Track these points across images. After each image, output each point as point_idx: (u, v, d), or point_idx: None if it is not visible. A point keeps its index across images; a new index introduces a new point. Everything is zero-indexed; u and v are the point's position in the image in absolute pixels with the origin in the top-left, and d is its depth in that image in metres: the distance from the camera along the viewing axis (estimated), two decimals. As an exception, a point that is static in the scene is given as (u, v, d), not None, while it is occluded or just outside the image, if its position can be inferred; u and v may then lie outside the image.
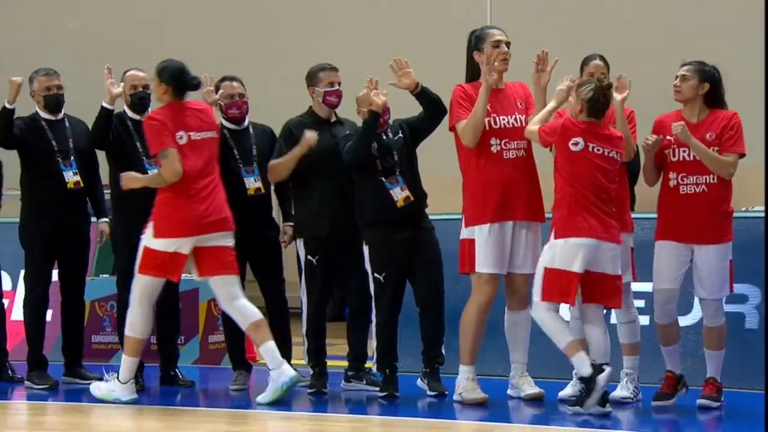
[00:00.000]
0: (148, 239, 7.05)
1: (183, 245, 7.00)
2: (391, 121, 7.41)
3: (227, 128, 7.81)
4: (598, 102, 6.70)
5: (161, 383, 7.95)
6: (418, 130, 7.37)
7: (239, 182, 7.70)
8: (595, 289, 6.67)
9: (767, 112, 5.96)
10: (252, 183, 7.73)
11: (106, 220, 8.19)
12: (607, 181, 6.69)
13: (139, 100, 7.88)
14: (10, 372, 8.22)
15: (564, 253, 6.62)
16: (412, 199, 7.26)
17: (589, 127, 6.71)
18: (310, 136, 7.43)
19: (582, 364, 6.53)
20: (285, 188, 7.87)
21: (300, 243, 7.59)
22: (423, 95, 7.15)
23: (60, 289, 8.11)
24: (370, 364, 7.55)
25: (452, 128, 7.06)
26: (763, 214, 7.32)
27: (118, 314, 7.96)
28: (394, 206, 7.24)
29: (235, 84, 7.80)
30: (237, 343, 7.88)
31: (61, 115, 8.00)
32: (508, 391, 7.20)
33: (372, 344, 7.42)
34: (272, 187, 7.91)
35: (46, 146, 7.85)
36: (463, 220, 7.04)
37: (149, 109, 7.84)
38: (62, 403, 7.59)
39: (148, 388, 7.83)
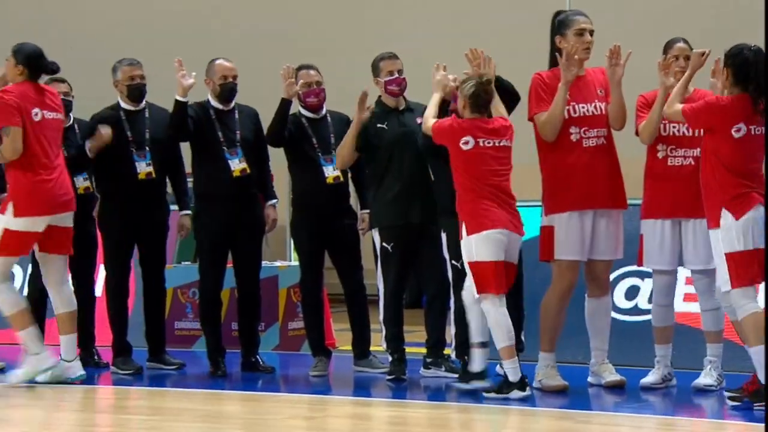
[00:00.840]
0: (7, 220, 7.17)
1: (40, 223, 7.16)
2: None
3: (305, 116, 7.76)
4: (480, 98, 6.77)
5: (242, 369, 7.93)
6: None
7: (318, 170, 7.66)
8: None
9: (767, 110, 5.76)
10: (331, 171, 7.69)
11: (189, 212, 8.16)
12: (504, 170, 6.74)
13: (229, 92, 7.85)
14: (96, 357, 8.26)
15: (479, 245, 6.61)
16: None
17: (475, 122, 6.71)
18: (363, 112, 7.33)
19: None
20: (362, 176, 7.80)
21: (375, 231, 7.52)
22: (497, 84, 7.02)
23: (142, 276, 8.15)
24: (449, 351, 7.46)
25: (531, 119, 6.93)
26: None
27: (199, 300, 7.99)
28: (471, 194, 7.12)
29: (312, 72, 7.74)
30: (317, 330, 7.84)
31: (142, 105, 7.99)
32: (589, 379, 7.08)
33: (450, 331, 7.33)
34: (350, 175, 7.84)
35: (121, 136, 7.84)
36: (543, 207, 6.92)
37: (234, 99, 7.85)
38: (146, 388, 7.61)
39: (229, 374, 7.82)
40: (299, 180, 7.80)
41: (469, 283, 6.75)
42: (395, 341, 7.49)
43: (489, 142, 6.72)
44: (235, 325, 8.25)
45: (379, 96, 7.58)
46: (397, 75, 7.49)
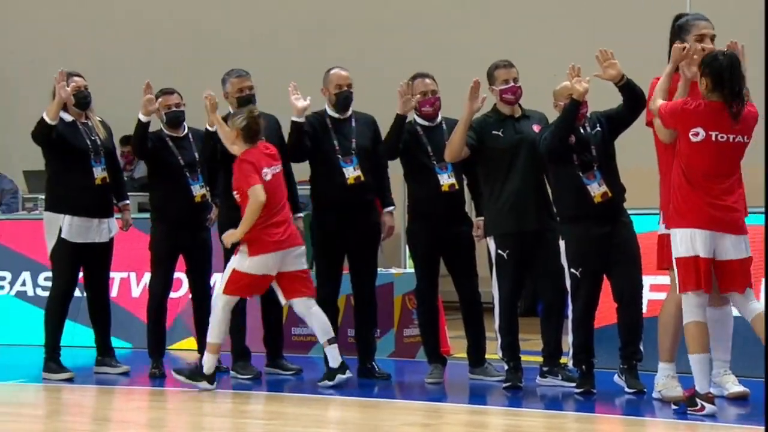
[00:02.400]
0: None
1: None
2: (588, 114, 7.04)
3: (420, 125, 7.63)
4: (251, 130, 7.20)
5: (359, 375, 7.79)
6: (617, 123, 6.98)
7: (433, 178, 7.52)
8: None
9: (767, 113, 5.49)
10: (446, 179, 7.53)
11: (301, 215, 8.07)
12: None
13: (345, 100, 7.76)
14: (217, 362, 8.11)
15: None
16: (609, 195, 6.89)
17: (255, 150, 7.20)
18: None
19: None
20: (478, 183, 7.60)
21: (491, 238, 7.32)
22: (627, 87, 6.75)
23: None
24: (566, 360, 7.22)
25: (649, 123, 6.65)
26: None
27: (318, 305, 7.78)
28: (591, 201, 6.88)
29: (427, 81, 7.60)
30: (432, 337, 7.68)
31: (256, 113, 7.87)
32: (710, 390, 6.74)
33: (567, 340, 7.08)
34: (465, 182, 7.67)
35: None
36: (661, 216, 6.61)
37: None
38: (265, 393, 7.54)
39: (346, 380, 7.64)
40: (415, 188, 7.67)
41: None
42: (511, 349, 7.28)
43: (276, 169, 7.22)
44: (351, 332, 8.17)
45: (494, 104, 7.39)
46: (512, 83, 7.31)
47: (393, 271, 9.13)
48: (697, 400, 6.16)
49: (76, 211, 7.88)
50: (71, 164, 7.89)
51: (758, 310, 6.25)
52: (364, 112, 7.91)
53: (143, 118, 7.84)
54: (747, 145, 6.20)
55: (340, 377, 7.29)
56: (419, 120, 7.65)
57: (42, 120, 7.75)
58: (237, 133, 7.18)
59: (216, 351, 7.30)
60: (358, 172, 7.68)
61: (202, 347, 8.15)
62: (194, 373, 7.34)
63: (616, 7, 12.20)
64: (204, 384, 7.27)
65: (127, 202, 8.35)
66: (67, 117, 7.89)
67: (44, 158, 8.06)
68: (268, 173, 7.27)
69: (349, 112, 7.80)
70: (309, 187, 7.98)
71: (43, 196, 8.94)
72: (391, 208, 7.93)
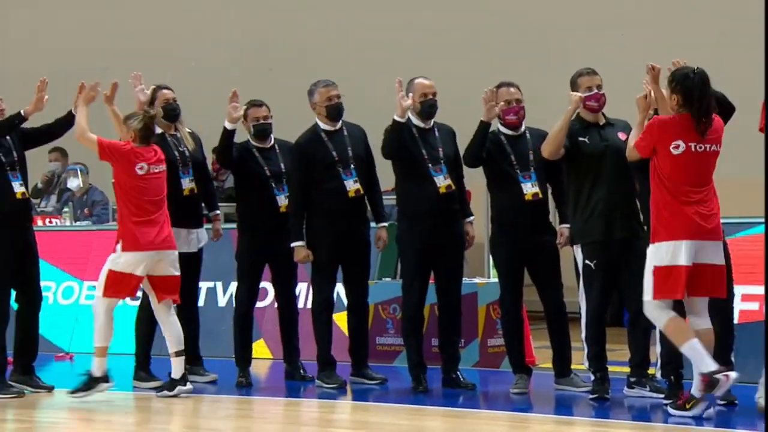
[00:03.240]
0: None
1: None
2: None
3: (504, 134, 7.52)
4: (149, 130, 7.39)
5: (443, 385, 7.68)
6: None
7: (517, 187, 7.40)
8: None
9: (767, 120, 5.32)
10: (530, 188, 7.41)
11: (386, 225, 8.02)
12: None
13: (430, 108, 7.68)
14: (302, 371, 8.17)
15: None
16: None
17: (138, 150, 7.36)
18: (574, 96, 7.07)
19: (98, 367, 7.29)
20: (562, 192, 7.47)
21: (578, 247, 7.17)
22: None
23: (345, 292, 8.02)
24: (654, 371, 7.03)
25: (761, 129, 6.44)
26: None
27: (403, 316, 7.82)
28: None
29: (512, 90, 7.49)
30: (517, 347, 7.56)
31: (339, 125, 7.88)
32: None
33: (655, 350, 6.89)
34: (549, 191, 7.54)
35: (326, 155, 7.74)
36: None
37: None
38: (350, 402, 7.47)
39: (431, 390, 7.59)
40: (498, 197, 7.55)
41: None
42: (598, 360, 7.11)
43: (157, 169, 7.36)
44: (435, 341, 8.07)
45: (578, 112, 7.24)
46: (596, 90, 7.16)
47: (477, 280, 9.03)
48: (716, 377, 6.23)
49: None
50: None
51: (705, 325, 6.42)
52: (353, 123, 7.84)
53: (229, 126, 7.82)
54: (719, 154, 6.39)
55: (180, 388, 7.41)
56: (503, 129, 7.54)
57: None
58: (133, 134, 7.34)
59: (103, 354, 7.40)
60: (449, 181, 7.60)
61: (288, 356, 8.18)
62: (87, 383, 7.40)
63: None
64: (103, 386, 7.39)
65: (218, 212, 8.34)
66: (157, 129, 7.87)
67: None
68: (144, 168, 7.38)
69: (432, 122, 7.73)
70: (393, 196, 7.92)
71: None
72: (471, 218, 7.84)
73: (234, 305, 8.15)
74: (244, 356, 8.06)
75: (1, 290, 7.61)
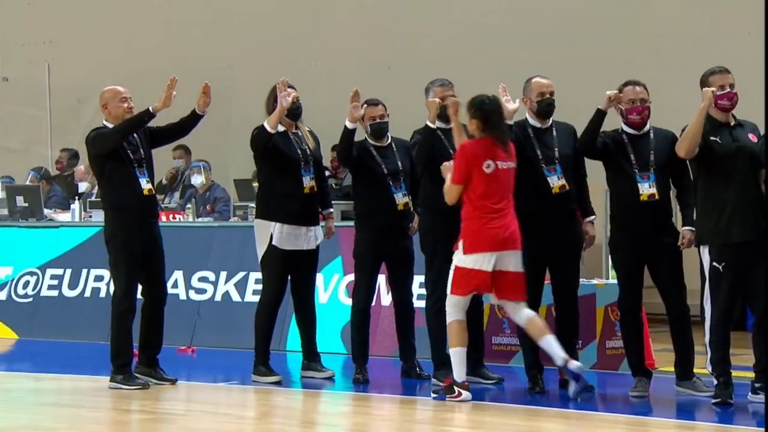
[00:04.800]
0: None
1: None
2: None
3: (626, 132, 7.29)
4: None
5: (560, 387, 7.46)
6: None
7: (634, 187, 7.18)
8: None
9: (767, 116, 5.08)
10: (646, 189, 7.17)
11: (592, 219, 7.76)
12: None
13: (547, 107, 7.50)
14: (418, 369, 8.06)
15: None
16: None
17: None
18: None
19: None
20: (687, 193, 7.22)
21: (704, 249, 6.89)
22: None
23: None
24: (780, 375, 6.72)
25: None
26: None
27: None
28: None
29: (638, 89, 7.25)
30: (636, 350, 7.32)
31: (451, 126, 7.68)
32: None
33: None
34: (673, 193, 7.30)
35: (443, 154, 7.59)
36: None
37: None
38: (467, 402, 7.23)
39: (547, 391, 7.41)
40: (616, 196, 7.33)
41: None
42: (722, 364, 6.82)
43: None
44: None
45: (708, 111, 6.96)
46: (728, 89, 6.89)
47: (595, 281, 8.77)
48: (455, 388, 7.01)
49: (286, 219, 7.84)
50: (283, 173, 7.86)
51: (530, 314, 7.12)
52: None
53: (349, 125, 7.75)
54: (516, 169, 7.13)
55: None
56: (626, 128, 7.30)
57: (262, 128, 7.75)
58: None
59: None
60: (563, 181, 7.41)
61: (405, 354, 8.08)
62: None
63: None
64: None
65: (331, 210, 8.28)
66: (279, 127, 7.85)
67: (256, 167, 8.07)
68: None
69: (550, 121, 7.54)
70: None
71: (253, 204, 8.95)
72: (593, 217, 7.63)
73: (352, 302, 8.06)
74: (361, 353, 7.98)
75: (128, 284, 7.66)
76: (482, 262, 6.99)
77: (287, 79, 7.86)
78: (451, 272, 7.09)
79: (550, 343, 7.02)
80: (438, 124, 7.58)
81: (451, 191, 7.10)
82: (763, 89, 5.67)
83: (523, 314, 7.12)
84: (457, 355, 7.04)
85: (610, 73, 8.36)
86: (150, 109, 7.61)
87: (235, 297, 9.92)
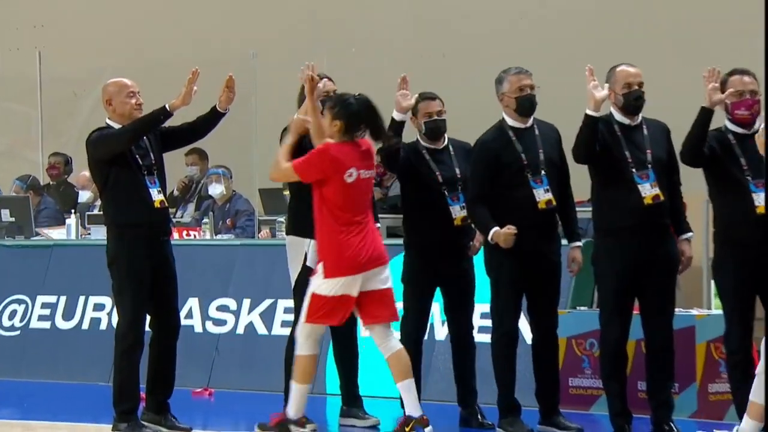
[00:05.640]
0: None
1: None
2: None
3: (732, 132, 7.35)
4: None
5: (649, 439, 7.53)
6: None
7: (747, 197, 7.21)
8: None
9: (767, 115, 5.00)
10: (762, 199, 7.19)
11: (580, 244, 7.91)
12: None
13: (636, 100, 7.54)
14: (479, 417, 8.08)
15: None
16: None
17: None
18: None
19: None
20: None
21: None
22: None
23: (529, 322, 7.97)
24: None
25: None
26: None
27: (601, 353, 7.70)
28: None
29: (746, 79, 7.29)
30: (747, 395, 7.18)
31: (530, 122, 7.82)
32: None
33: None
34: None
35: (511, 158, 7.72)
36: None
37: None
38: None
39: (637, 445, 7.45)
40: (723, 209, 7.36)
41: None
42: None
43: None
44: (642, 385, 7.93)
45: None
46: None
47: (694, 312, 8.78)
48: (290, 427, 7.35)
49: None
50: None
51: (399, 348, 7.37)
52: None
53: (397, 117, 7.79)
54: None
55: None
56: (731, 126, 7.34)
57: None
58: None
59: None
60: (656, 190, 7.43)
61: (463, 399, 8.13)
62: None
63: None
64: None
65: (378, 225, 8.25)
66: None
67: None
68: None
69: (640, 118, 7.58)
70: (589, 208, 7.83)
71: (282, 218, 9.00)
72: (689, 234, 7.66)
73: (400, 337, 8.08)
74: None
75: (134, 313, 7.72)
76: (348, 286, 7.22)
77: (316, 65, 7.85)
78: (308, 298, 7.32)
79: (409, 390, 7.29)
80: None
81: (285, 172, 7.36)
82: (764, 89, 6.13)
83: (392, 345, 7.35)
84: (300, 391, 7.36)
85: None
86: (167, 107, 7.66)
87: (261, 329, 9.99)
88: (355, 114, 7.28)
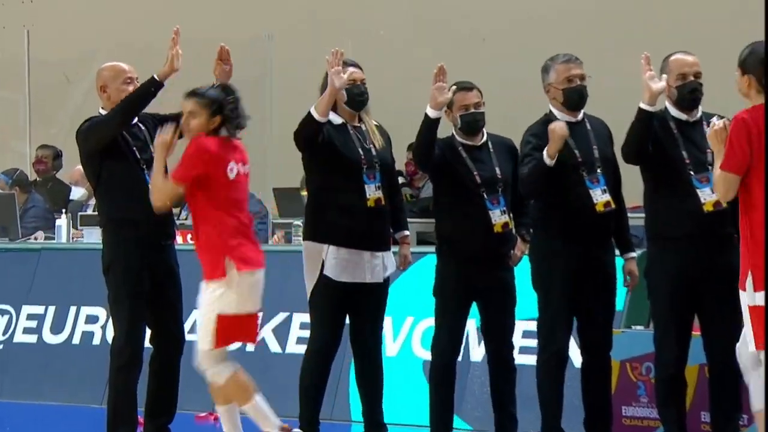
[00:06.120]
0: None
1: None
2: None
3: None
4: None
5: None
6: None
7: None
8: None
9: (767, 115, 5.26)
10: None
11: (634, 255, 7.96)
12: None
13: (691, 93, 7.57)
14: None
15: None
16: None
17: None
18: None
19: None
20: None
21: None
22: None
23: (579, 343, 7.98)
24: None
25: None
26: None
27: (657, 378, 7.72)
28: None
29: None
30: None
31: (580, 116, 7.86)
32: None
33: None
34: None
35: (567, 155, 7.71)
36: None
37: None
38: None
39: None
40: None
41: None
42: None
43: None
44: (705, 416, 7.95)
45: None
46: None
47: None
48: None
49: (342, 241, 7.88)
50: (339, 180, 7.90)
51: (238, 367, 7.45)
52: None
53: (432, 113, 7.73)
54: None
55: None
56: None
57: (309, 116, 7.73)
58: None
59: None
60: (716, 196, 7.34)
61: (502, 426, 8.10)
62: None
63: None
64: None
65: (407, 233, 8.31)
66: (337, 119, 7.89)
67: (305, 171, 8.04)
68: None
69: (699, 113, 7.63)
70: (641, 215, 7.86)
71: (299, 221, 8.96)
72: None
73: (431, 355, 8.12)
74: (443, 424, 8.05)
75: (132, 327, 7.72)
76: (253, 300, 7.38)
77: (344, 52, 7.87)
78: (214, 321, 7.27)
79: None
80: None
81: (166, 191, 7.33)
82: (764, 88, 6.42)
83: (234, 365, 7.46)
84: (230, 412, 7.43)
85: None
86: (155, 76, 7.67)
87: (274, 347, 9.97)
88: (232, 107, 7.43)
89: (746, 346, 6.64)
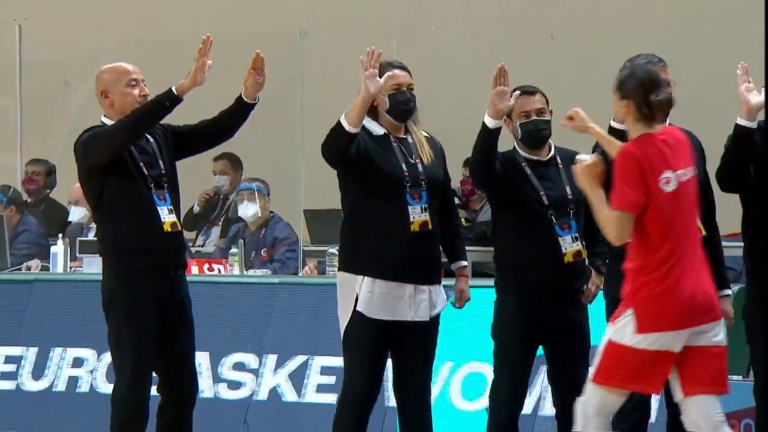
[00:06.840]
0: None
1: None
2: None
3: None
4: None
5: None
6: None
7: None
8: None
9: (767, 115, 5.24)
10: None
11: (729, 293, 7.94)
12: None
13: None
14: None
15: None
16: None
17: None
18: None
19: None
20: None
21: None
22: None
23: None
24: None
25: None
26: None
27: None
28: None
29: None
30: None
31: (550, 153, 8.06)
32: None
33: None
34: None
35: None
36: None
37: None
38: None
39: None
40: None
41: None
42: None
43: None
44: None
45: None
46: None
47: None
48: None
49: (379, 272, 7.87)
50: (378, 200, 7.90)
51: None
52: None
53: (491, 123, 7.76)
54: None
55: None
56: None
57: (338, 125, 7.74)
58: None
59: None
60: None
61: None
62: None
63: None
64: None
65: (464, 263, 8.29)
66: (378, 129, 7.89)
67: (340, 189, 8.05)
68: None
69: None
70: (740, 244, 8.00)
71: (335, 249, 8.97)
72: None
73: (489, 406, 8.13)
74: None
75: (137, 372, 7.76)
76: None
77: (381, 52, 7.87)
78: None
79: None
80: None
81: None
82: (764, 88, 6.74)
83: None
84: None
85: None
86: (173, 89, 7.71)
87: (290, 395, 10.02)
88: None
89: None
